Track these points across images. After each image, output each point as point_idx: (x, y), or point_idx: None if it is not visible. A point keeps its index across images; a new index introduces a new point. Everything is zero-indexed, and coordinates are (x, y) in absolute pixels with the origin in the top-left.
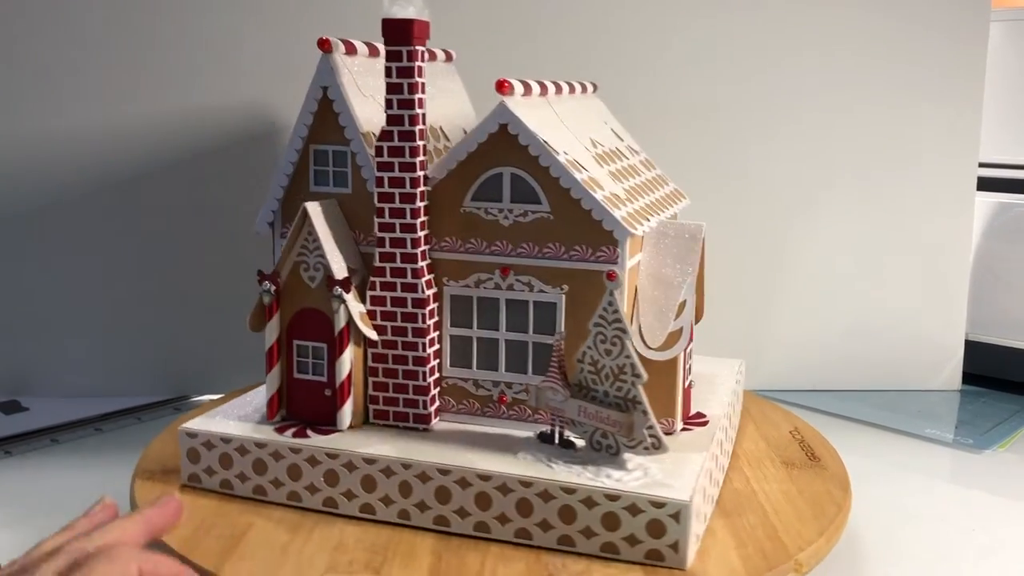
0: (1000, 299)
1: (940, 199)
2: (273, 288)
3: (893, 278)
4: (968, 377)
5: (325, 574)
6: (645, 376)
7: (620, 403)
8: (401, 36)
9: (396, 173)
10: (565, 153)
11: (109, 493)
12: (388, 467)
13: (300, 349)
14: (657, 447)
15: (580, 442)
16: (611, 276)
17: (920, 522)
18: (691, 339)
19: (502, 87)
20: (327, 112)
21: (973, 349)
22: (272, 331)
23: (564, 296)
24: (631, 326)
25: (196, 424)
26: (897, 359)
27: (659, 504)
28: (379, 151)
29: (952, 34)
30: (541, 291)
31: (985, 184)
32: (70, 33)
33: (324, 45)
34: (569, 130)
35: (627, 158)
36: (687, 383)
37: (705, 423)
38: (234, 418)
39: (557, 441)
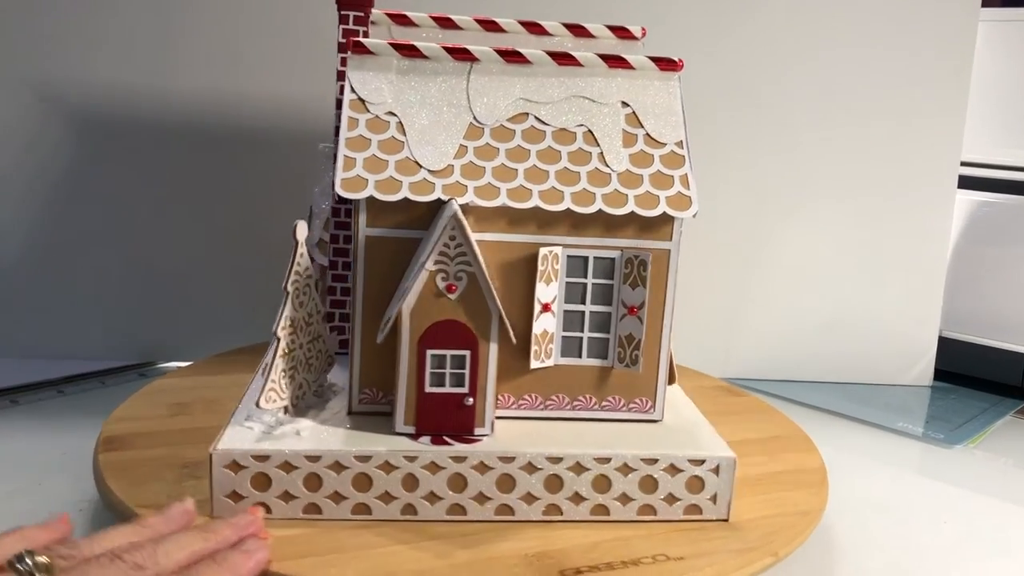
0: (974, 298)
1: (921, 196)
2: None
3: (871, 273)
4: (940, 374)
5: None
6: (278, 337)
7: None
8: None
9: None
10: (393, 115)
11: (70, 456)
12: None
13: None
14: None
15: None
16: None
17: (891, 514)
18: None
19: (353, 47)
20: None
21: (946, 346)
22: None
23: None
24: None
25: None
26: (871, 353)
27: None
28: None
29: (939, 33)
30: None
31: (966, 183)
32: None
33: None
34: (443, 96)
35: (544, 142)
36: (463, 396)
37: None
38: None
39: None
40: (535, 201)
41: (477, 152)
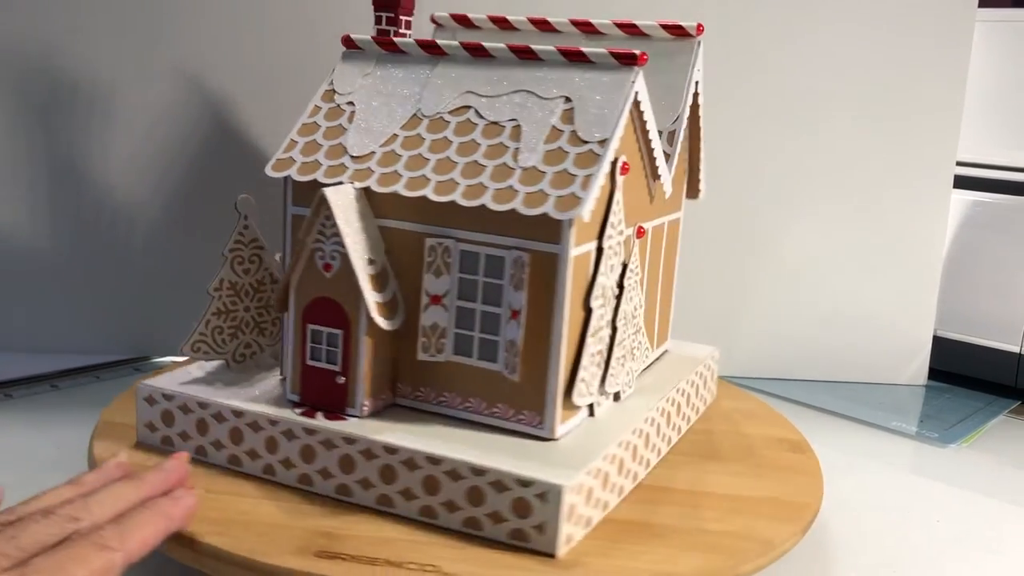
0: (969, 297)
1: (917, 196)
2: None
3: (866, 272)
4: (934, 373)
5: None
6: (211, 295)
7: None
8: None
9: None
10: (351, 105)
11: (64, 450)
12: None
13: None
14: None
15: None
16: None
17: (885, 513)
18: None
19: (345, 42)
20: None
21: (940, 345)
22: None
23: None
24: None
25: None
26: (866, 352)
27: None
28: None
29: (936, 33)
30: None
31: (961, 182)
32: None
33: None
34: (404, 88)
35: (471, 135)
36: (336, 374)
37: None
38: None
39: None
40: (426, 191)
41: (404, 142)
